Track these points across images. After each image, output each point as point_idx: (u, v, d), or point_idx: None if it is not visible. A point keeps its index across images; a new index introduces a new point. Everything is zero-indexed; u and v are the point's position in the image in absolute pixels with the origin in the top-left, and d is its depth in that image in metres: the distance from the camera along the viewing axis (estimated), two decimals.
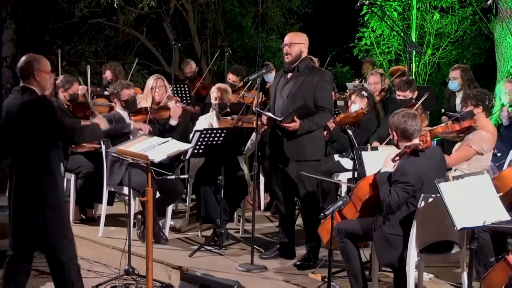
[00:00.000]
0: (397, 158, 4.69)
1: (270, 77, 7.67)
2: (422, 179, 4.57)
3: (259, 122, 5.73)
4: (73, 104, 6.78)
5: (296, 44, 5.69)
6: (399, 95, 6.63)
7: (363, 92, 6.74)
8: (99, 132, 5.04)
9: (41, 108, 4.57)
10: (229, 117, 6.77)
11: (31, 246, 4.74)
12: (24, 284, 4.86)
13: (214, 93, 6.75)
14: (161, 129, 6.48)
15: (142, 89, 7.31)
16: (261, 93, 7.24)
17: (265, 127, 6.04)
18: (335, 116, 6.58)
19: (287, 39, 5.75)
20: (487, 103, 5.69)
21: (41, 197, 4.60)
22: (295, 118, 5.52)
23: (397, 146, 4.80)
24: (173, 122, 6.50)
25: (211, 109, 6.83)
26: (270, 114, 5.68)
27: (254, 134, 6.00)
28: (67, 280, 4.73)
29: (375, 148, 5.34)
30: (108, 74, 8.35)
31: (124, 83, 6.55)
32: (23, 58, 4.71)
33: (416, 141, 4.70)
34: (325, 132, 6.46)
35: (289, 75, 5.76)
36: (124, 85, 6.48)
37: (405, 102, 6.51)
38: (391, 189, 4.56)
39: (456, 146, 5.77)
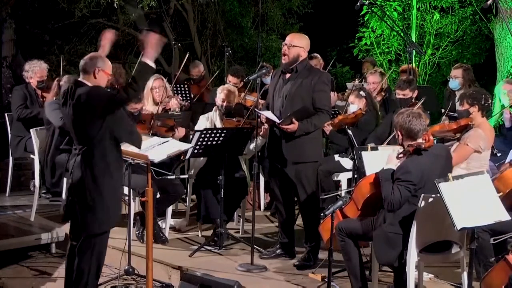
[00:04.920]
0: (401, 156, 4.71)
1: (269, 79, 7.67)
2: (424, 178, 4.58)
3: (258, 122, 5.74)
4: None
5: (296, 47, 5.66)
6: (398, 94, 6.63)
7: (361, 92, 6.73)
8: (148, 67, 4.69)
9: (93, 96, 4.59)
10: (234, 119, 6.73)
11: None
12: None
13: (221, 94, 6.67)
14: None
15: None
16: (263, 101, 7.23)
17: (266, 125, 6.05)
18: (335, 116, 6.58)
19: (288, 39, 5.72)
20: (483, 102, 5.70)
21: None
22: (293, 120, 5.53)
23: (402, 146, 4.81)
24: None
25: (214, 109, 6.81)
26: (269, 114, 5.68)
27: (256, 139, 6.00)
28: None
29: (375, 148, 5.35)
30: None
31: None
32: (89, 55, 4.82)
33: (419, 140, 4.71)
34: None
35: (288, 75, 5.76)
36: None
37: (405, 101, 6.50)
38: (394, 187, 4.57)
39: (454, 146, 5.78)
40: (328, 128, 6.35)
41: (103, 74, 4.75)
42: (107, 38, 5.08)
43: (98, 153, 4.61)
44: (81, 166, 4.63)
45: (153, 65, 4.65)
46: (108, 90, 7.41)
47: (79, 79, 4.75)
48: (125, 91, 4.56)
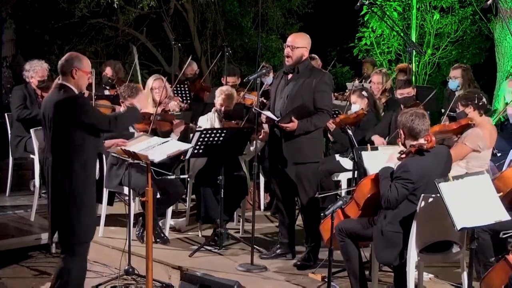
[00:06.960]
0: (403, 156, 4.71)
1: (268, 80, 7.68)
2: (424, 178, 4.58)
3: (258, 121, 5.74)
4: None
5: (299, 48, 5.66)
6: (402, 94, 6.63)
7: (364, 92, 6.75)
8: (137, 114, 5.13)
9: (75, 105, 4.62)
10: (233, 122, 6.71)
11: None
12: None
13: (219, 99, 6.64)
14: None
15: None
16: (265, 100, 7.23)
17: (266, 129, 6.05)
18: (335, 117, 6.58)
19: (290, 41, 5.70)
20: (476, 101, 5.71)
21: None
22: (293, 118, 5.52)
23: (404, 145, 4.81)
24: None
25: (213, 110, 6.80)
26: (268, 113, 5.68)
27: (255, 140, 6.00)
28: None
29: (375, 148, 5.35)
30: (108, 71, 8.38)
31: (134, 90, 6.37)
32: (65, 56, 4.81)
33: (421, 140, 4.71)
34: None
35: (289, 76, 5.76)
36: (133, 93, 6.32)
37: (409, 99, 6.52)
38: (392, 184, 4.58)
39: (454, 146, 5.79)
40: (332, 126, 6.34)
41: (81, 74, 4.73)
42: None
43: (77, 162, 4.64)
44: (58, 176, 4.64)
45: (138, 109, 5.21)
46: (107, 88, 7.42)
47: (60, 81, 4.73)
48: (113, 121, 4.82)
